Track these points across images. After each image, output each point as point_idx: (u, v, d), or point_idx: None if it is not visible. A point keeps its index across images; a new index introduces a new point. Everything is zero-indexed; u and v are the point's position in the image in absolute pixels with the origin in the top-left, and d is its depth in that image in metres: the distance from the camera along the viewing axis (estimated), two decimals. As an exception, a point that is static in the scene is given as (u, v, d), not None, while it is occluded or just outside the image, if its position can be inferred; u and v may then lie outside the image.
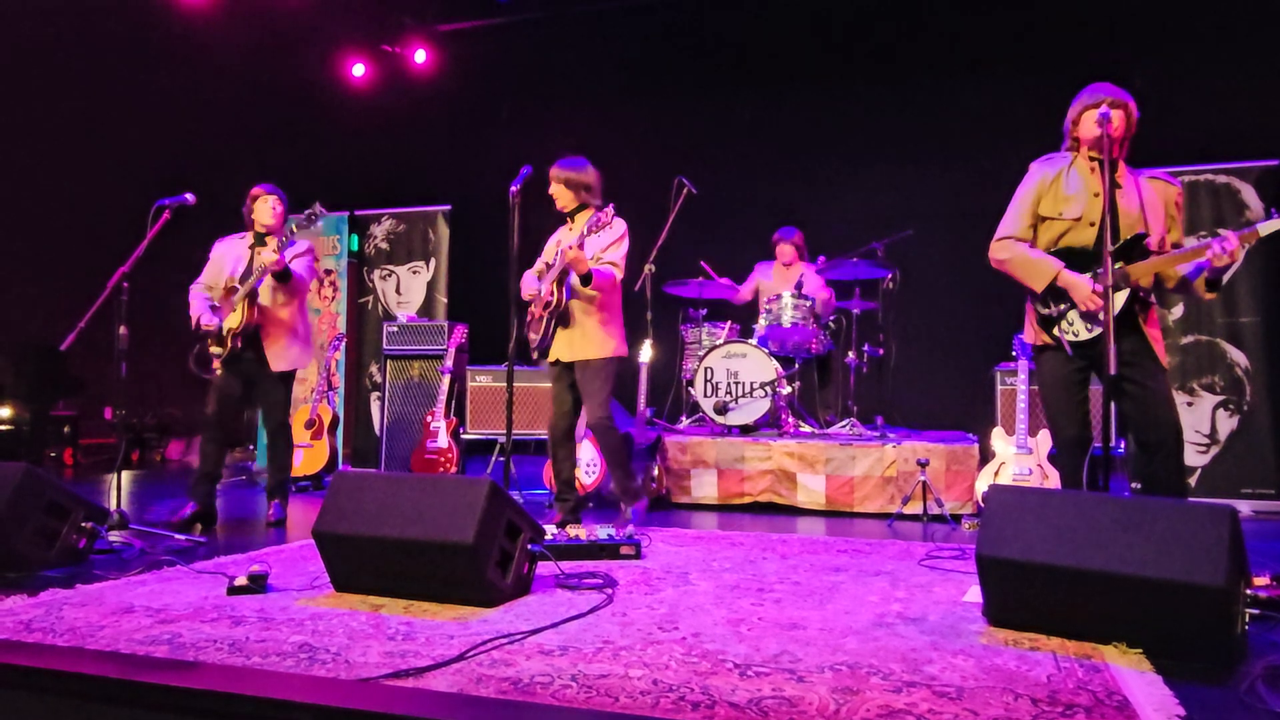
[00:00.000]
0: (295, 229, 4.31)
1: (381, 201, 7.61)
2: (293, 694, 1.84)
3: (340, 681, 1.96)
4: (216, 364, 4.36)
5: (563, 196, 4.26)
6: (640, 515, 4.25)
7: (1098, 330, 3.06)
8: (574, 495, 4.35)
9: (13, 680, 2.03)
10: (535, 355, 4.32)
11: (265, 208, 4.45)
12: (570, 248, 3.94)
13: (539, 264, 4.44)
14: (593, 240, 4.09)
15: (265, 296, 4.37)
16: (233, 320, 4.31)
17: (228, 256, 4.47)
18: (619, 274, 4.17)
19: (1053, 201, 3.20)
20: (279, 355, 4.39)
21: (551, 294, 4.16)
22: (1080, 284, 3.08)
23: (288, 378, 4.47)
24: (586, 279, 4.01)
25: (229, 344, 4.31)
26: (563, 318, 4.20)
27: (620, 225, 4.15)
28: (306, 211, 4.28)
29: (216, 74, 7.97)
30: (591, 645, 2.25)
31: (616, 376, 4.27)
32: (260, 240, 4.45)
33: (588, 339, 4.17)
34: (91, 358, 6.48)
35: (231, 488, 5.99)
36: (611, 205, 4.09)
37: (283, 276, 4.29)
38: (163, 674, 1.97)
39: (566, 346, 4.21)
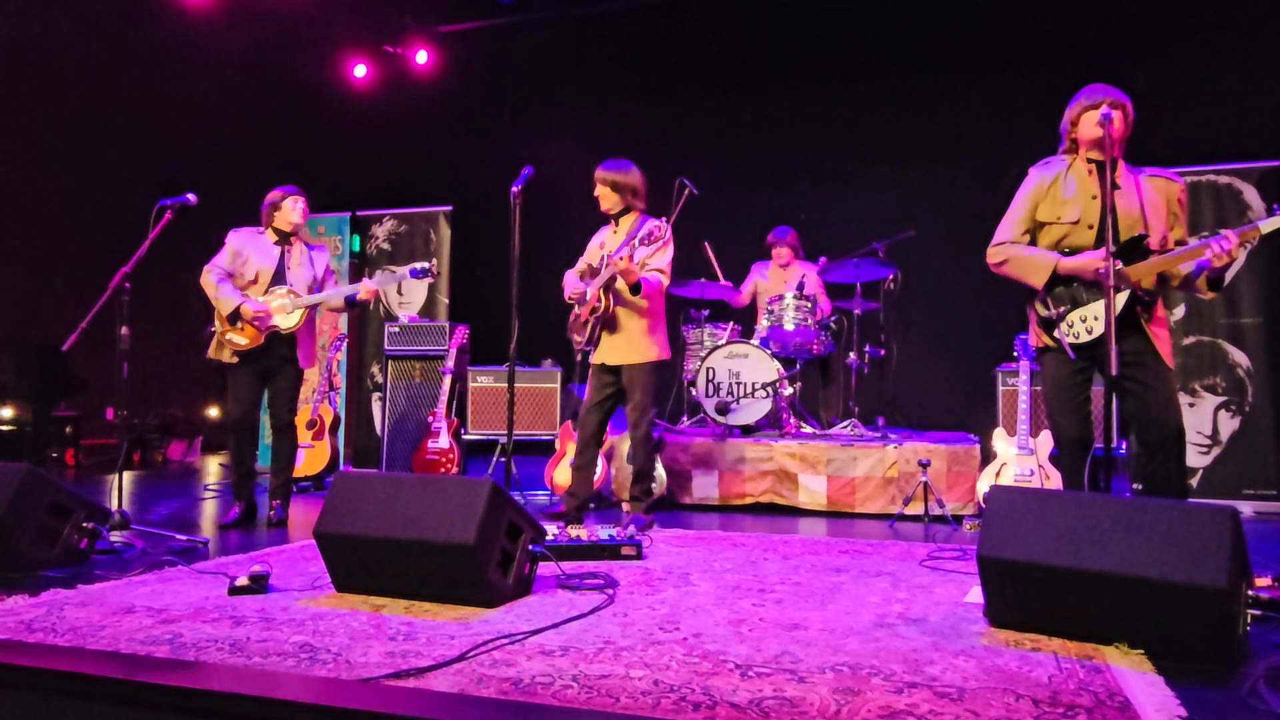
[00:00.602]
0: (402, 277, 4.51)
1: (383, 202, 7.61)
2: (294, 694, 1.84)
3: (341, 681, 1.96)
4: (231, 354, 4.35)
5: (608, 199, 4.34)
6: (643, 522, 4.26)
7: (1098, 332, 3.06)
8: (585, 494, 4.42)
9: (14, 680, 2.03)
10: (579, 357, 4.47)
11: (296, 208, 4.47)
12: (621, 258, 4.05)
13: (581, 264, 4.52)
14: (640, 249, 4.17)
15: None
16: (288, 321, 4.37)
17: (250, 250, 4.44)
18: (666, 281, 4.29)
19: (1051, 206, 3.20)
20: (308, 354, 4.52)
21: (599, 299, 4.25)
22: (1084, 262, 3.06)
23: (302, 374, 4.56)
24: (636, 288, 4.13)
25: (259, 342, 4.32)
26: (609, 322, 4.30)
27: (666, 231, 4.22)
28: (423, 266, 4.47)
29: (218, 74, 7.98)
30: (592, 645, 2.25)
31: (660, 381, 4.41)
32: (285, 239, 4.49)
33: (633, 344, 4.28)
34: (93, 358, 6.48)
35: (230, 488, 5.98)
36: (664, 219, 4.19)
37: (356, 304, 4.50)
38: (164, 674, 1.97)
39: (612, 351, 4.32)
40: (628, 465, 4.59)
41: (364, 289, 4.42)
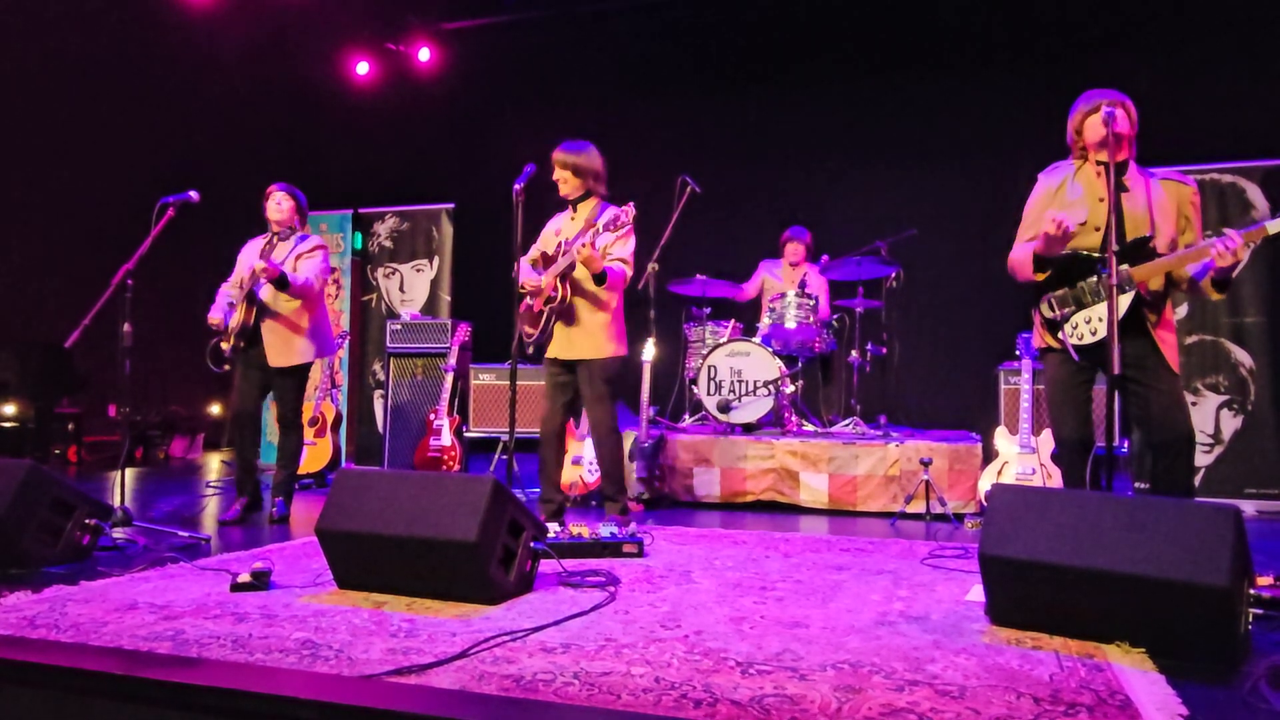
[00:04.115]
0: (276, 240, 4.34)
1: (385, 199, 7.62)
2: (295, 690, 1.84)
3: (343, 678, 1.96)
4: (225, 362, 4.41)
5: (568, 183, 4.08)
6: (622, 524, 4.13)
7: (1102, 333, 3.05)
8: (561, 498, 4.23)
9: (17, 676, 2.03)
10: (530, 350, 4.20)
11: (271, 204, 4.47)
12: (585, 245, 3.79)
13: (534, 252, 4.27)
14: (603, 236, 3.93)
15: (267, 295, 4.36)
16: (233, 320, 4.35)
17: (246, 256, 4.51)
18: (630, 272, 4.06)
19: (1058, 210, 3.19)
20: (279, 351, 4.37)
21: (556, 289, 3.99)
22: (1044, 226, 2.98)
23: (296, 372, 4.46)
24: (601, 278, 3.89)
25: (232, 341, 4.35)
26: (565, 314, 4.07)
27: (630, 217, 3.94)
28: (297, 234, 4.35)
29: (221, 72, 7.98)
30: (594, 643, 2.26)
31: (620, 377, 4.16)
32: (275, 235, 4.48)
33: (592, 338, 4.04)
34: (96, 355, 6.49)
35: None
36: (632, 204, 3.90)
37: (280, 284, 4.26)
38: (166, 670, 1.97)
39: (568, 344, 4.08)
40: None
41: (258, 266, 4.20)
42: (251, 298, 4.32)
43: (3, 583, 2.87)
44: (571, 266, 3.96)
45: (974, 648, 2.25)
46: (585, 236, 3.87)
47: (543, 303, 4.05)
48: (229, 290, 4.51)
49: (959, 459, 4.92)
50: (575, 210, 4.15)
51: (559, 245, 4.05)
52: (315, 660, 2.09)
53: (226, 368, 4.43)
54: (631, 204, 3.90)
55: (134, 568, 3.16)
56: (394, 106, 8.42)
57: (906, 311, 6.29)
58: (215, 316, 4.40)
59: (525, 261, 4.24)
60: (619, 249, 4.01)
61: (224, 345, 4.38)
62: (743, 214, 7.44)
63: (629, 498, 5.01)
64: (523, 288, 4.16)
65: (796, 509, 5.09)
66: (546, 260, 4.11)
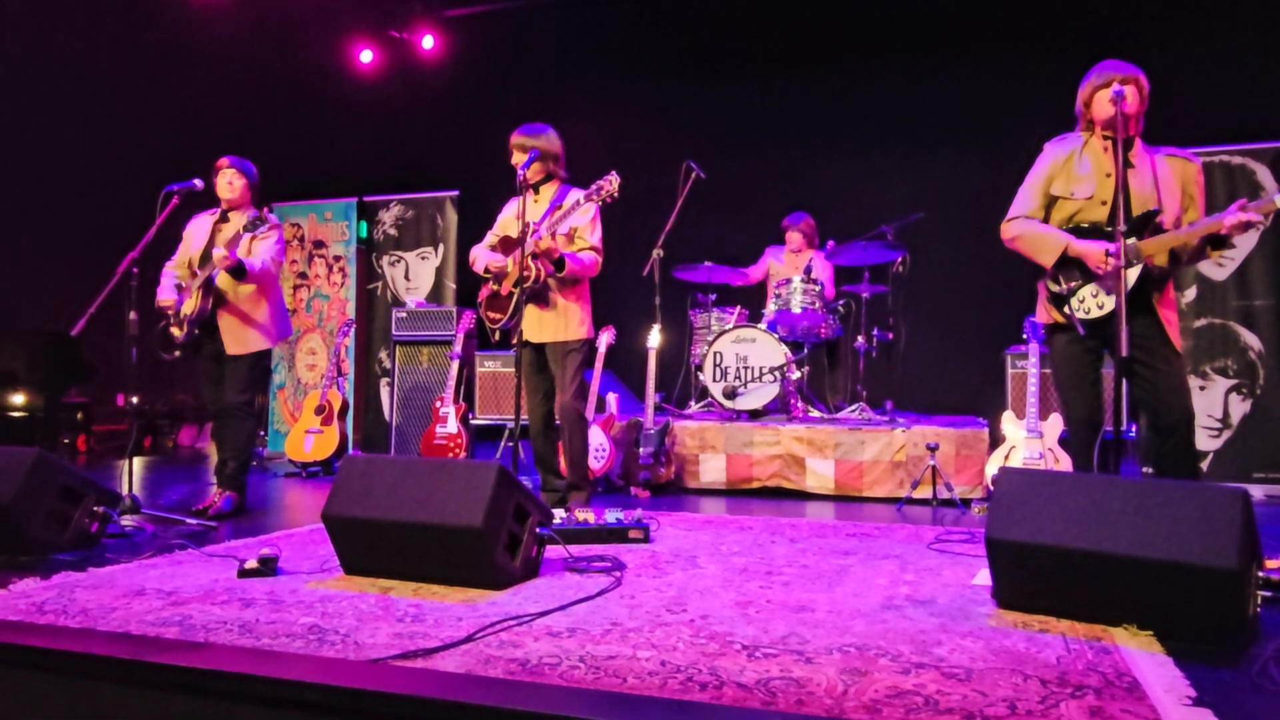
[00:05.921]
0: (242, 231, 4.10)
1: (390, 188, 7.60)
2: (302, 675, 1.85)
3: (349, 662, 1.97)
4: (175, 348, 4.24)
5: (534, 169, 3.99)
6: (580, 507, 3.94)
7: (1109, 308, 3.04)
8: (562, 484, 4.19)
9: (25, 661, 2.05)
10: (496, 337, 4.09)
11: (222, 182, 4.28)
12: (545, 236, 3.74)
13: (491, 238, 4.21)
14: (578, 213, 3.85)
15: (223, 281, 4.19)
16: (187, 307, 4.17)
17: (194, 234, 4.35)
18: (599, 257, 3.99)
19: (1065, 181, 3.18)
20: (235, 339, 4.22)
21: (529, 269, 3.85)
22: (1093, 251, 3.04)
23: (251, 359, 4.27)
24: (560, 264, 3.82)
25: (184, 328, 4.18)
26: (537, 296, 3.96)
27: (592, 204, 3.85)
28: (253, 215, 4.09)
29: (225, 60, 7.97)
30: (600, 627, 2.26)
31: (589, 359, 4.06)
32: (225, 216, 4.32)
33: (566, 319, 3.98)
34: (104, 345, 6.50)
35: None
36: (614, 173, 3.74)
37: (237, 272, 4.08)
38: (173, 655, 1.98)
39: (539, 327, 4.00)
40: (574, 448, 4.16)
41: (218, 256, 3.99)
42: (208, 285, 4.15)
43: (12, 569, 2.89)
44: (549, 248, 3.87)
45: (980, 631, 2.25)
46: (552, 218, 3.83)
47: (512, 285, 3.95)
48: (174, 270, 4.35)
49: (966, 444, 4.90)
50: (537, 193, 4.07)
51: (525, 228, 3.84)
52: (322, 645, 2.10)
53: (177, 354, 4.24)
54: (614, 173, 3.74)
55: (142, 554, 3.17)
56: (398, 94, 8.39)
57: (913, 296, 6.26)
58: (168, 299, 4.21)
59: (483, 248, 4.19)
60: (590, 236, 3.96)
61: (175, 330, 4.20)
62: (748, 199, 7.40)
63: (637, 484, 5.03)
64: (488, 270, 4.08)
65: (803, 495, 5.09)
66: (508, 245, 4.04)
